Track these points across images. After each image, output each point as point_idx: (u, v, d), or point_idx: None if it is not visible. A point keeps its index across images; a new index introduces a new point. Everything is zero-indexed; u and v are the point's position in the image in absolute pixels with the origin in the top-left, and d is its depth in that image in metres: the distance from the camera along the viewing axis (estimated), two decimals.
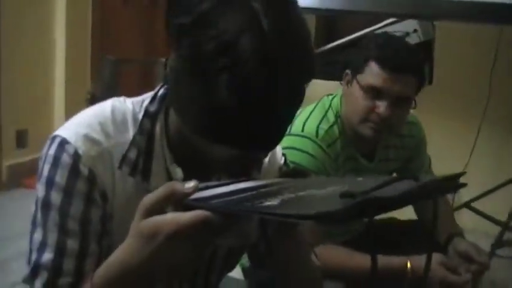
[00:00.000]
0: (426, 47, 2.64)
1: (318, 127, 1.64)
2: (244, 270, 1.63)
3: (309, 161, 1.59)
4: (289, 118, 0.84)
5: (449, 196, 2.25)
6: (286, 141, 1.63)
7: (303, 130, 1.63)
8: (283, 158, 1.14)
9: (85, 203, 0.90)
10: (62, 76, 4.16)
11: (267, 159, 1.09)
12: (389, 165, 1.85)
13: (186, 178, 0.94)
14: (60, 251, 0.89)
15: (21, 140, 3.90)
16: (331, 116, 1.69)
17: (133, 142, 0.94)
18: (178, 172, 0.95)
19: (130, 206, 0.93)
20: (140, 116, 0.96)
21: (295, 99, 0.83)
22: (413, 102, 1.64)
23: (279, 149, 1.14)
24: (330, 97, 1.75)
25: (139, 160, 0.94)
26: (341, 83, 1.71)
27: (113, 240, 0.93)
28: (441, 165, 2.02)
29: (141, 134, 0.95)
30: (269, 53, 0.77)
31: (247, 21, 0.77)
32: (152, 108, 0.97)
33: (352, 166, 1.72)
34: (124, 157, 0.93)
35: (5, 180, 3.81)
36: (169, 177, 0.95)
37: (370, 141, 1.69)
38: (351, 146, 1.70)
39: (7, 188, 3.74)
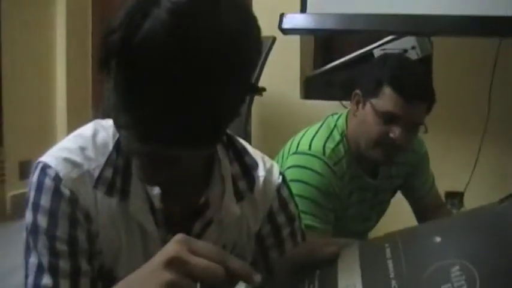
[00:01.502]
0: (424, 63, 2.66)
1: (324, 146, 1.66)
2: None
3: (317, 179, 1.60)
4: (194, 107, 0.74)
5: (453, 212, 2.23)
6: (293, 159, 1.65)
7: (309, 149, 1.65)
8: (281, 177, 1.09)
9: (70, 224, 0.91)
10: (63, 105, 4.19)
11: (261, 179, 1.04)
12: (393, 182, 1.86)
13: (164, 197, 0.93)
14: (54, 273, 0.90)
15: (25, 170, 3.90)
16: (336, 135, 1.70)
17: (108, 161, 0.94)
18: (155, 189, 0.94)
19: (115, 225, 0.93)
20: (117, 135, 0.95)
21: (190, 84, 0.72)
22: (424, 127, 1.66)
23: (276, 168, 1.09)
24: (335, 117, 1.77)
25: (117, 179, 0.94)
26: (341, 103, 1.72)
27: (103, 260, 0.94)
28: (442, 184, 2.02)
29: (118, 154, 0.94)
30: (161, 29, 0.71)
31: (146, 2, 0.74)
32: None
33: (357, 184, 1.74)
34: (99, 176, 0.93)
35: (9, 210, 3.81)
36: (148, 197, 0.94)
37: (377, 161, 1.70)
38: (355, 165, 1.72)
39: (11, 218, 3.73)
